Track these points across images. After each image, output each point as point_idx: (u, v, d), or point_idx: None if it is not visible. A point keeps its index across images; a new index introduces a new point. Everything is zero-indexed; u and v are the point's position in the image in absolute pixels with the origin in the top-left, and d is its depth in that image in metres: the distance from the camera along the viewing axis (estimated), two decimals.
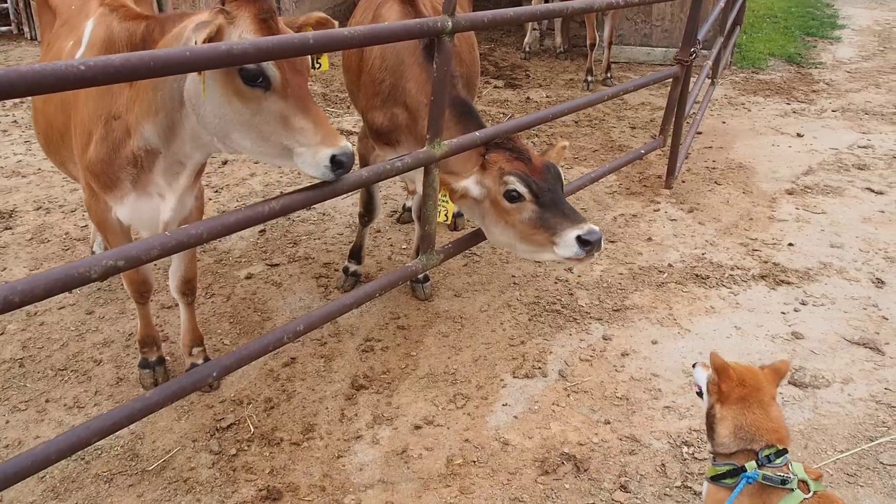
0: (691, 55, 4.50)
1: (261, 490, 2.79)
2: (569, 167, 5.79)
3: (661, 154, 5.78)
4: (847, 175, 5.70)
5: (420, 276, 3.99)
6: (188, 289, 3.27)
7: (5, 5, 9.51)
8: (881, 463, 2.85)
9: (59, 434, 1.99)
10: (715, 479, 2.07)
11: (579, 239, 2.79)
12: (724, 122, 7.00)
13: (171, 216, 2.81)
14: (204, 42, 2.12)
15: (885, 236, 4.67)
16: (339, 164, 2.30)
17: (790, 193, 5.36)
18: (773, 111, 7.39)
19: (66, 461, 2.88)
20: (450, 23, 2.43)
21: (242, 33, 2.26)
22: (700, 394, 2.25)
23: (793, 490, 1.91)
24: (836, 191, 5.40)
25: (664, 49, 9.03)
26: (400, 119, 3.23)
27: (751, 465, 1.98)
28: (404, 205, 4.93)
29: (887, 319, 3.79)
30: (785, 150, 6.28)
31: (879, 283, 4.13)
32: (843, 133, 6.71)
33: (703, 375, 2.22)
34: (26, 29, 9.48)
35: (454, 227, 3.39)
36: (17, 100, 7.20)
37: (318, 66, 2.73)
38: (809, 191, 5.40)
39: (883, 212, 5.04)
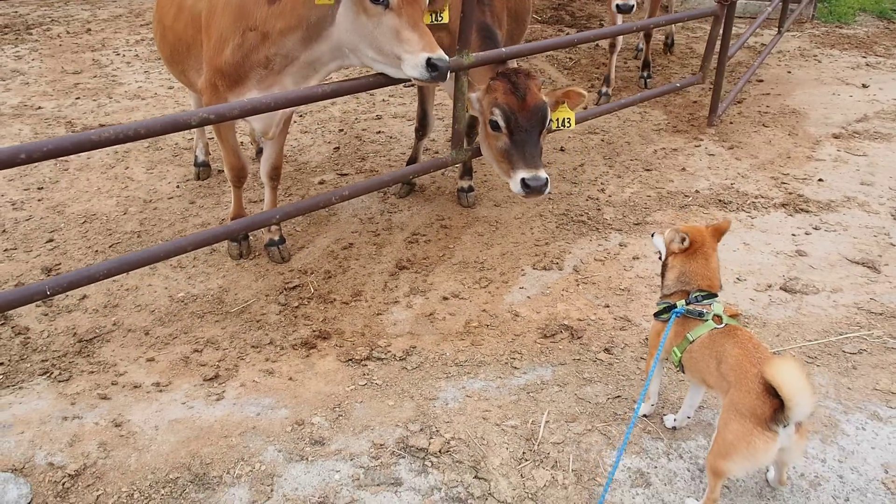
0: None
1: (314, 331, 3.50)
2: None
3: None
4: None
5: (465, 186, 4.58)
6: (275, 174, 4.02)
7: None
8: (843, 351, 3.24)
9: (167, 242, 2.72)
10: (656, 315, 2.60)
11: (524, 181, 3.35)
12: (789, 72, 7.10)
13: (286, 112, 3.50)
14: None
15: None
16: (433, 66, 2.85)
17: (836, 137, 5.54)
18: (845, 63, 7.39)
19: (170, 302, 3.71)
20: None
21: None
22: (660, 255, 2.75)
23: (706, 321, 2.42)
24: (885, 137, 5.53)
25: (743, 1, 9.02)
26: (444, 41, 3.74)
27: (680, 303, 2.50)
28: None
29: (894, 245, 4.06)
30: (845, 98, 6.37)
31: None
32: None
33: (660, 240, 2.73)
34: None
35: None
36: (138, 36, 8.24)
37: (440, 17, 3.33)
38: (857, 135, 5.56)
39: None
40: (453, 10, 3.68)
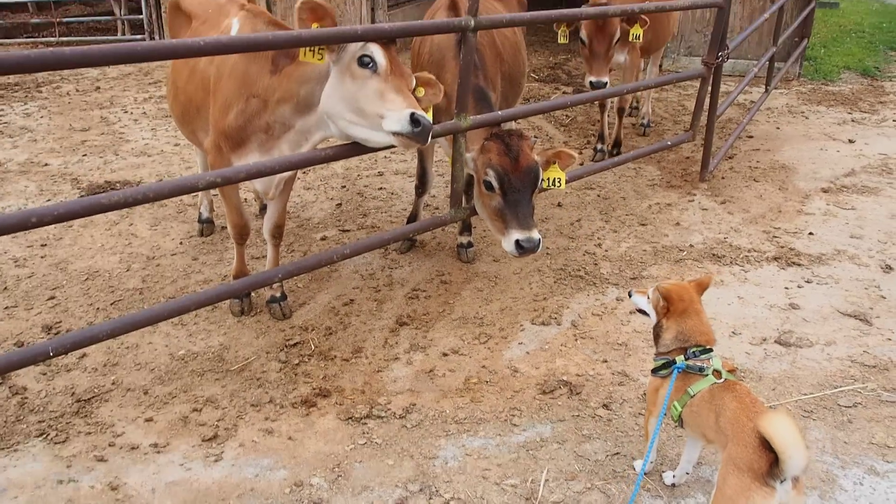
0: (717, 59, 4.95)
1: (315, 389, 3.52)
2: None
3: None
4: (888, 178, 5.93)
5: (464, 241, 4.67)
6: (277, 232, 4.10)
7: (140, 17, 10.95)
8: (838, 404, 3.26)
9: (169, 301, 2.78)
10: (654, 371, 2.64)
11: (517, 242, 3.48)
12: (778, 128, 7.29)
13: (286, 175, 3.62)
14: None
15: None
16: (416, 121, 2.88)
17: (825, 191, 5.67)
18: (831, 119, 7.60)
19: (170, 360, 3.73)
20: (472, 22, 3.10)
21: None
22: (642, 312, 2.79)
23: (706, 375, 2.46)
24: (873, 190, 5.66)
25: (732, 60, 9.30)
26: (440, 105, 3.86)
27: (680, 359, 2.54)
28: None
29: (885, 298, 4.13)
30: (832, 154, 6.53)
31: (888, 268, 4.44)
32: None
33: (641, 300, 2.78)
34: (157, 37, 10.88)
35: None
36: (146, 94, 8.45)
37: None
38: (845, 190, 5.69)
39: None
40: (449, 74, 3.85)
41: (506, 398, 3.43)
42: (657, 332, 2.72)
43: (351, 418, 3.31)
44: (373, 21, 9.62)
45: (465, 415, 3.32)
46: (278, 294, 4.13)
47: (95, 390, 3.49)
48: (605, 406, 3.33)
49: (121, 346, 3.83)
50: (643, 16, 4.93)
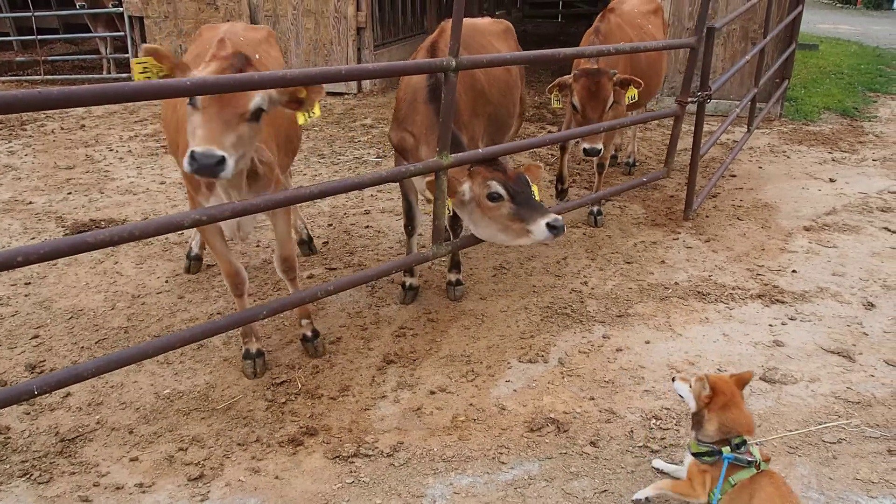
0: (697, 97, 5.09)
1: (301, 428, 3.50)
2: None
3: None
4: (869, 216, 6.04)
5: (453, 279, 4.70)
6: (287, 267, 3.96)
7: (126, 55, 11.05)
8: (823, 440, 3.28)
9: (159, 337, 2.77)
10: (696, 455, 2.73)
11: (548, 225, 3.59)
12: (760, 168, 7.43)
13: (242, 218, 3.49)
14: None
15: (889, 268, 5.02)
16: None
17: (807, 230, 5.77)
18: (812, 159, 7.76)
19: (156, 399, 3.70)
20: (454, 62, 3.18)
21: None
22: (682, 396, 2.88)
23: (749, 467, 2.60)
24: (854, 229, 5.76)
25: (715, 101, 9.52)
26: (408, 141, 4.06)
27: (726, 450, 2.66)
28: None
29: (867, 335, 4.18)
30: (814, 192, 6.66)
31: (870, 305, 4.50)
32: (878, 180, 7.02)
33: (683, 387, 2.86)
34: None
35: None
36: (132, 132, 8.52)
37: (311, 115, 3.33)
38: (827, 228, 5.79)
39: (894, 248, 5.37)
40: (419, 115, 3.97)
41: (493, 436, 3.42)
42: (698, 421, 2.80)
43: (338, 457, 3.29)
44: (359, 61, 9.80)
45: (452, 453, 3.31)
46: (309, 332, 4.06)
47: (80, 430, 3.45)
48: (593, 443, 3.32)
49: (105, 385, 3.80)
50: (637, 78, 5.01)
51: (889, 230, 5.72)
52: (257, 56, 3.73)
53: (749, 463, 2.61)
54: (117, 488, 3.07)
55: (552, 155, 7.73)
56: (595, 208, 5.74)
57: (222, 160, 2.68)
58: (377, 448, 3.35)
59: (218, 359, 4.05)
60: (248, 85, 2.59)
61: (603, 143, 5.12)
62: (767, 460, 2.66)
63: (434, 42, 4.17)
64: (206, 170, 2.68)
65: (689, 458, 2.78)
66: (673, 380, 2.94)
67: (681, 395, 2.88)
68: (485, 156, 3.61)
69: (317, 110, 3.16)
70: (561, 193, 6.48)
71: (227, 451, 3.33)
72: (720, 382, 2.75)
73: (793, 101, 10.17)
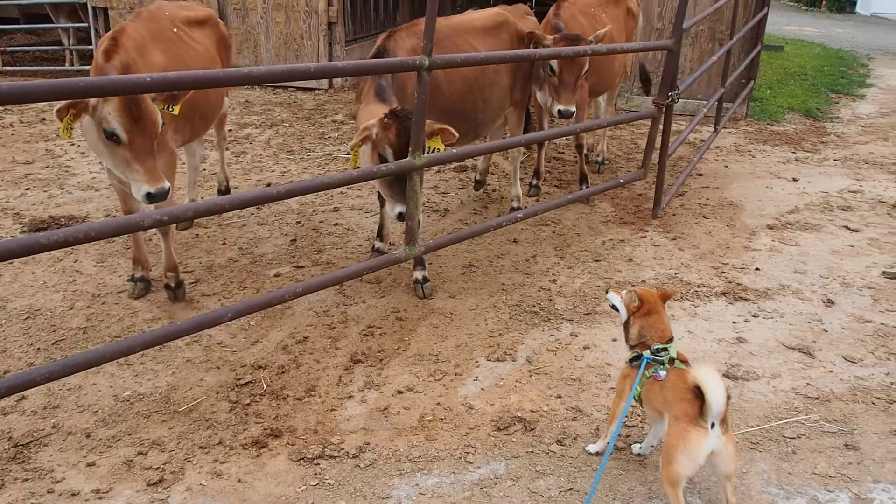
0: (668, 99, 5.13)
1: (266, 429, 3.45)
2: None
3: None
4: (829, 215, 6.16)
5: (420, 277, 4.68)
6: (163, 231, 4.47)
7: (90, 47, 10.80)
8: (783, 436, 3.33)
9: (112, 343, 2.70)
10: (630, 361, 3.09)
11: (398, 214, 3.93)
12: (726, 167, 7.54)
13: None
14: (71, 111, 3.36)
15: (848, 266, 5.13)
16: (150, 196, 3.54)
17: (771, 228, 5.86)
18: (776, 158, 7.89)
19: (115, 401, 3.62)
20: (427, 62, 3.16)
21: (108, 111, 3.48)
22: (614, 308, 3.23)
23: (664, 364, 2.91)
24: (815, 227, 5.87)
25: (683, 100, 9.63)
26: (355, 109, 4.33)
27: (646, 353, 2.99)
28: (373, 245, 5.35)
29: (826, 332, 4.26)
30: (777, 191, 6.77)
31: (829, 303, 4.59)
32: (839, 179, 7.16)
33: (616, 297, 3.21)
34: None
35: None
36: None
37: (171, 109, 3.75)
38: (789, 226, 5.89)
39: (853, 246, 5.49)
40: (366, 83, 4.15)
41: (460, 435, 3.41)
42: (626, 328, 3.17)
43: (303, 459, 3.25)
44: (330, 57, 9.71)
45: (419, 453, 3.29)
46: (173, 283, 4.56)
47: (34, 434, 3.35)
48: (559, 442, 3.33)
49: (62, 387, 3.70)
50: None
51: (849, 228, 5.83)
52: (175, 30, 4.35)
53: (662, 363, 2.89)
54: (73, 495, 2.99)
55: (524, 153, 7.73)
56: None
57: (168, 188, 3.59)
58: (343, 449, 3.31)
59: (181, 360, 3.97)
60: (213, 82, 2.51)
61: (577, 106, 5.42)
62: (684, 360, 2.96)
63: (386, 38, 4.31)
64: (161, 198, 3.52)
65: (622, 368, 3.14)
66: (607, 291, 3.30)
67: (613, 305, 3.22)
68: (459, 156, 3.59)
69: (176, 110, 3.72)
70: (534, 188, 6.51)
71: (189, 454, 3.27)
72: (646, 294, 3.12)
73: (758, 101, 10.34)
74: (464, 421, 3.51)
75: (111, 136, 3.46)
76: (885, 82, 12.84)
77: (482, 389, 3.76)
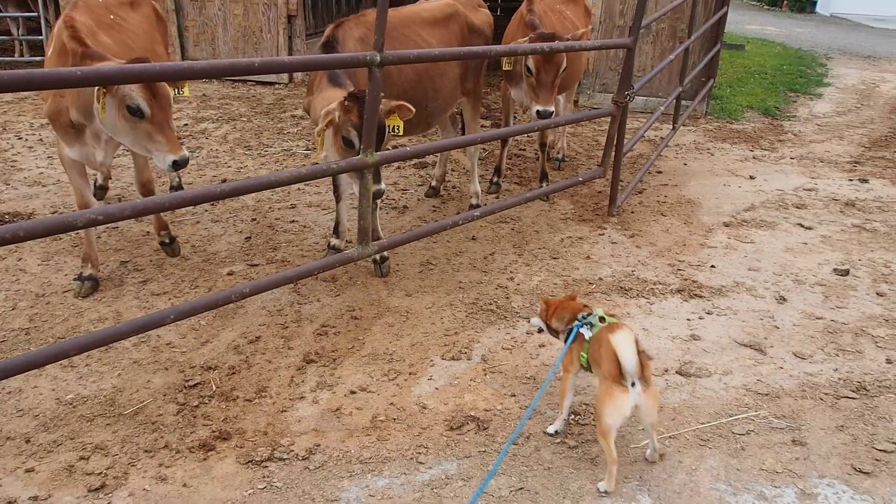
0: (626, 97, 5.15)
1: (214, 432, 3.37)
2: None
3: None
4: (784, 212, 6.26)
5: (377, 257, 4.67)
6: (147, 190, 4.68)
7: (40, 38, 10.48)
8: (732, 432, 3.36)
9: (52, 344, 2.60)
10: (566, 342, 3.31)
11: (377, 191, 3.91)
12: (685, 164, 7.61)
13: (101, 160, 4.34)
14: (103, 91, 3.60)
15: (801, 263, 5.21)
16: (176, 164, 3.79)
17: (727, 226, 5.93)
18: (734, 156, 8.00)
19: (57, 405, 3.50)
20: (378, 57, 3.10)
21: (131, 88, 3.64)
22: (541, 330, 3.55)
23: (592, 325, 3.18)
24: (770, 225, 5.96)
25: (644, 98, 9.71)
26: (308, 99, 4.39)
27: (575, 323, 3.27)
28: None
29: (778, 328, 4.32)
30: (735, 189, 6.86)
31: (782, 300, 4.66)
32: (794, 177, 7.29)
33: (536, 320, 3.53)
34: None
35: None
36: (44, 120, 8.07)
37: (181, 92, 4.05)
38: (745, 224, 5.97)
39: (806, 244, 5.58)
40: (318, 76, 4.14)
41: (413, 435, 3.38)
42: (550, 330, 3.48)
43: (251, 462, 3.18)
44: (290, 50, 9.56)
45: (370, 454, 3.24)
46: (168, 240, 4.90)
47: None
48: (512, 442, 3.31)
49: (2, 390, 3.57)
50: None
51: (802, 226, 5.93)
52: (112, 17, 4.50)
53: (591, 324, 3.19)
54: (9, 503, 2.88)
55: (484, 150, 7.72)
56: (495, 178, 6.36)
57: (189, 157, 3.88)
58: (292, 451, 3.25)
59: (127, 361, 3.86)
60: (167, 75, 2.42)
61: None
62: (613, 314, 3.29)
63: (334, 28, 4.35)
64: (184, 165, 3.82)
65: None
66: (529, 320, 3.77)
67: (539, 329, 3.55)
68: (415, 153, 3.55)
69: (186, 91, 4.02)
70: (494, 186, 6.50)
71: (133, 458, 3.18)
72: (549, 299, 3.53)
73: (718, 99, 10.47)
74: (417, 421, 3.48)
75: (135, 112, 3.67)
76: (843, 81, 13.11)
77: (436, 389, 3.73)
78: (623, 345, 2.83)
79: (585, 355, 3.17)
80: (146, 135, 3.75)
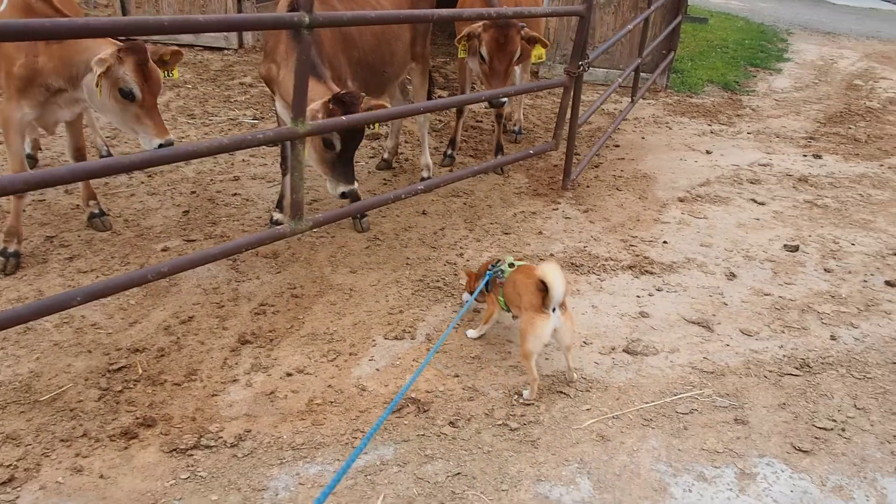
0: (578, 68, 5.00)
1: (138, 418, 3.18)
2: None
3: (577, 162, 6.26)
4: (739, 188, 6.22)
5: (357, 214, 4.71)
6: (79, 156, 4.60)
7: None
8: (676, 412, 3.30)
9: None
10: (487, 290, 3.72)
11: (342, 193, 4.01)
12: (643, 138, 7.53)
13: (68, 118, 4.38)
14: (100, 73, 3.62)
15: (752, 239, 5.17)
16: (162, 147, 3.82)
17: (681, 201, 5.87)
18: (692, 131, 7.94)
19: None
20: (307, 18, 2.89)
21: (125, 72, 3.74)
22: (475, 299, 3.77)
23: (506, 270, 3.58)
24: (724, 200, 5.91)
25: (605, 70, 9.59)
26: (272, 71, 4.22)
27: (488, 272, 3.67)
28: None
29: (727, 305, 4.27)
30: (691, 164, 6.80)
31: (731, 276, 4.61)
32: (750, 152, 7.26)
33: (466, 295, 3.91)
34: None
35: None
36: None
37: (169, 75, 4.20)
38: (699, 199, 5.91)
39: (758, 219, 5.55)
40: (283, 44, 4.04)
41: (350, 419, 3.24)
42: (473, 293, 3.74)
43: (175, 450, 3.01)
44: (239, 12, 9.15)
45: (303, 440, 3.10)
46: (97, 210, 4.75)
47: None
48: (452, 423, 3.20)
49: None
50: (543, 38, 5.16)
51: (755, 202, 5.90)
52: None
53: (502, 271, 3.56)
54: None
55: (439, 121, 7.53)
56: (449, 151, 6.26)
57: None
58: (221, 438, 3.09)
59: (47, 343, 3.64)
60: (50, 32, 2.19)
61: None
62: (521, 259, 3.73)
63: None
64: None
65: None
66: (463, 298, 4.06)
67: (469, 300, 3.78)
68: (349, 123, 3.35)
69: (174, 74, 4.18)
70: (448, 158, 6.33)
71: (48, 448, 2.98)
72: (469, 270, 3.99)
73: (679, 72, 10.39)
74: (355, 404, 3.34)
75: (127, 95, 3.78)
76: (802, 57, 13.15)
77: (377, 370, 3.59)
78: (553, 274, 3.16)
79: (503, 297, 3.54)
80: (135, 117, 3.88)
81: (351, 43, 4.40)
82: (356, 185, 4.09)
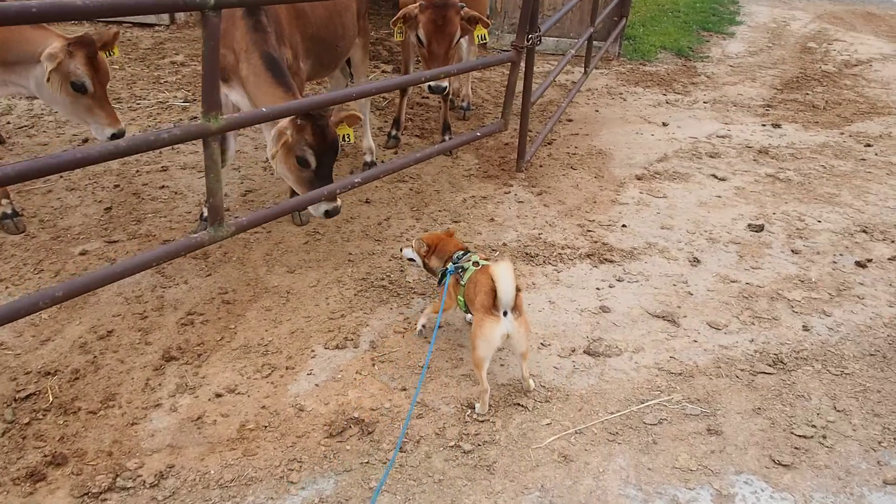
0: (527, 41, 4.65)
1: (46, 456, 2.81)
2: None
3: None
4: (698, 162, 6.01)
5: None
6: None
7: None
8: (644, 423, 3.06)
9: None
10: (439, 282, 3.49)
11: (326, 212, 3.85)
12: (597, 111, 7.25)
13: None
14: (51, 69, 3.67)
15: (714, 219, 4.96)
16: (114, 136, 4.00)
17: (639, 179, 5.62)
18: (647, 101, 7.69)
19: None
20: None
21: (76, 66, 3.80)
22: (411, 260, 3.64)
23: (469, 268, 3.28)
24: (683, 177, 5.69)
25: (556, 38, 9.24)
26: (228, 59, 3.85)
27: (450, 266, 3.38)
28: None
29: (692, 295, 4.05)
30: (647, 138, 6.56)
31: (695, 261, 4.39)
32: (707, 123, 7.05)
33: (409, 251, 3.63)
34: None
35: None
36: None
37: (111, 54, 4.07)
38: (658, 176, 5.68)
39: (720, 196, 5.34)
40: (238, 30, 3.75)
41: (286, 447, 2.92)
42: (427, 268, 3.60)
43: (87, 494, 2.67)
44: None
45: (232, 475, 2.77)
46: (9, 210, 4.33)
47: None
48: (400, 448, 2.91)
49: None
50: (484, 18, 4.88)
51: (716, 177, 5.70)
52: None
53: (464, 268, 3.30)
54: None
55: (384, 99, 7.12)
56: (393, 132, 5.96)
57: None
58: (139, 477, 2.75)
59: None
60: None
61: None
62: (487, 258, 3.38)
63: None
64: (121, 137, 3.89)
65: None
66: (401, 250, 3.76)
67: (410, 258, 3.64)
68: (268, 115, 2.96)
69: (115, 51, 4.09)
70: (393, 140, 5.96)
71: None
72: (430, 237, 3.58)
73: (631, 39, 10.12)
74: (291, 427, 3.02)
75: (79, 88, 3.85)
76: (754, 20, 13.01)
77: (316, 385, 3.27)
78: (503, 275, 2.89)
79: (462, 297, 3.29)
80: (87, 109, 3.95)
81: (304, 18, 4.17)
82: (339, 202, 3.89)
